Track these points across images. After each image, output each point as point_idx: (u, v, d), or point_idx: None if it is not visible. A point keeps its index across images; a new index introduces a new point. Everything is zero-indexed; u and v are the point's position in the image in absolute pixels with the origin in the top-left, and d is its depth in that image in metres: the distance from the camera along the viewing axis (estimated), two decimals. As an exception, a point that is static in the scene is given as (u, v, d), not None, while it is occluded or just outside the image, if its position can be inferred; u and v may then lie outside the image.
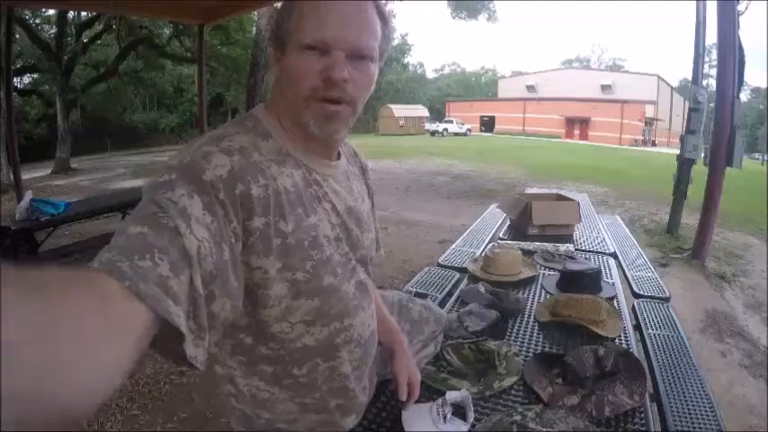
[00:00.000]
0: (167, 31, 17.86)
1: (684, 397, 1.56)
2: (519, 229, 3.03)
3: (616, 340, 1.57)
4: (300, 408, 0.86)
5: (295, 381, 0.83)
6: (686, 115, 6.24)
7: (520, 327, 1.70)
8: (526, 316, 1.78)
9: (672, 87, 44.78)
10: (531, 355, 1.49)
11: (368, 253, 0.93)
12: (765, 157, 31.69)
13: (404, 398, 1.07)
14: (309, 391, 0.86)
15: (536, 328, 1.69)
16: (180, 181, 0.63)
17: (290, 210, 0.72)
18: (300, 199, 0.75)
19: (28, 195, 4.26)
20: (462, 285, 2.17)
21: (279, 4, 0.80)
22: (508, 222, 3.28)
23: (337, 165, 0.86)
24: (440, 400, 1.18)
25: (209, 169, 0.64)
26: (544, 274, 2.24)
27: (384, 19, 0.77)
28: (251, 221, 0.67)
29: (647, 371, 1.45)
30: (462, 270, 2.48)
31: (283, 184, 0.73)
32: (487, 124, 44.83)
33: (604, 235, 3.12)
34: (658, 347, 1.90)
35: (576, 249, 2.65)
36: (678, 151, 6.09)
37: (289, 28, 0.74)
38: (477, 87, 63.19)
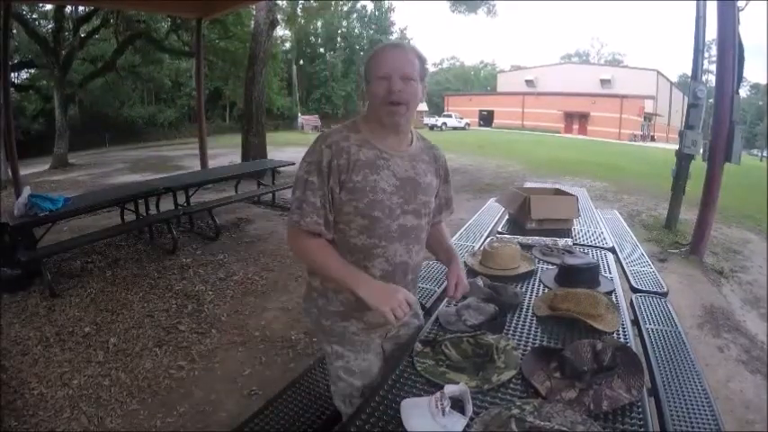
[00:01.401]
0: (165, 26, 17.74)
1: (682, 392, 1.57)
2: (517, 223, 3.03)
3: (614, 335, 1.58)
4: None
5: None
6: (685, 111, 6.24)
7: (518, 321, 1.70)
8: (524, 310, 1.79)
9: (671, 83, 44.70)
10: (529, 349, 1.49)
11: (420, 208, 1.42)
12: (764, 153, 31.73)
13: (450, 294, 1.47)
14: None
15: (534, 322, 1.69)
16: (313, 169, 1.32)
17: (359, 170, 1.32)
18: (369, 165, 1.33)
19: (26, 191, 4.25)
20: (461, 280, 2.17)
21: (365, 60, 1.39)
22: (507, 216, 3.28)
23: (406, 150, 1.41)
24: (438, 394, 1.18)
25: (323, 160, 1.31)
26: (542, 268, 2.24)
27: (421, 59, 1.35)
28: (340, 177, 1.31)
29: (644, 365, 1.45)
30: (461, 264, 2.48)
31: (358, 156, 1.32)
32: (486, 118, 44.70)
33: (603, 230, 3.12)
34: (656, 342, 1.91)
35: (574, 244, 2.64)
36: (677, 147, 6.09)
37: (370, 70, 1.33)
38: (476, 81, 63.02)
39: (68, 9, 14.10)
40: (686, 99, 6.53)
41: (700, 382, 1.62)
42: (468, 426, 1.12)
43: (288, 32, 31.47)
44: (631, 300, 2.31)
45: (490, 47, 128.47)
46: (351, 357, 1.46)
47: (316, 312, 1.49)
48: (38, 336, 3.30)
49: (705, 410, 1.48)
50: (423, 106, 40.30)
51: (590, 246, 2.69)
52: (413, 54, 1.34)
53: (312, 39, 41.95)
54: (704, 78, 6.33)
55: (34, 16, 17.63)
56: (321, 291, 1.46)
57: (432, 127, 35.57)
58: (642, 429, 1.13)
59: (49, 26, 15.57)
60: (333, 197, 1.32)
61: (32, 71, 21.82)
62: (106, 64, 17.39)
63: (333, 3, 28.66)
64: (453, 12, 18.26)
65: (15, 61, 18.01)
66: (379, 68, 1.31)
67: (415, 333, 1.59)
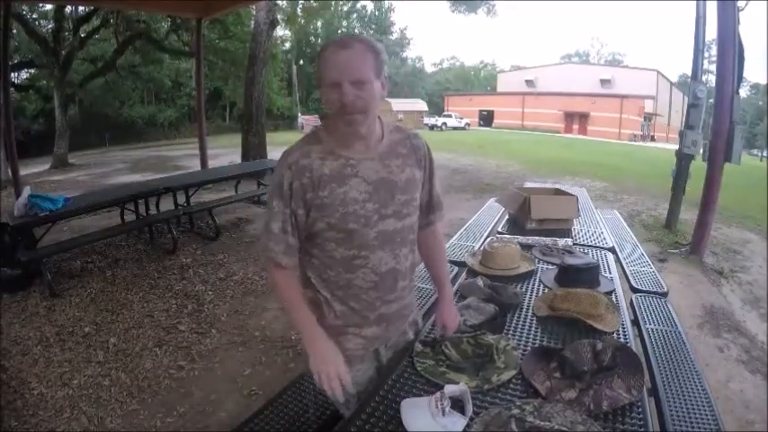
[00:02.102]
0: (165, 26, 17.74)
1: (682, 392, 1.56)
2: (517, 223, 3.03)
3: (614, 335, 1.58)
4: (333, 297, 1.36)
5: (329, 277, 1.34)
6: (685, 111, 6.24)
7: (518, 321, 1.70)
8: (524, 310, 1.79)
9: (671, 83, 44.65)
10: (529, 349, 1.49)
11: (401, 209, 1.32)
12: (764, 153, 31.72)
13: (439, 332, 1.53)
14: (336, 288, 1.34)
15: (534, 322, 1.69)
16: (275, 193, 1.26)
17: (325, 185, 1.23)
18: (335, 177, 1.24)
19: (26, 191, 4.25)
20: (461, 279, 2.17)
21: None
22: (507, 216, 3.28)
23: (375, 150, 1.29)
24: (438, 394, 1.18)
25: (284, 183, 1.23)
26: (542, 268, 2.24)
27: (375, 52, 1.19)
28: (305, 197, 1.23)
29: (644, 365, 1.45)
30: (461, 264, 2.49)
31: (322, 171, 1.23)
32: (486, 118, 44.66)
33: (603, 229, 3.12)
34: (656, 342, 1.91)
35: (574, 244, 2.64)
36: (677, 147, 6.09)
37: (320, 74, 1.20)
38: (477, 81, 63.00)
39: (68, 9, 14.09)
40: (686, 99, 6.54)
41: (700, 382, 1.62)
42: (468, 426, 1.12)
43: (288, 32, 31.49)
44: (631, 300, 2.30)
45: (490, 47, 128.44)
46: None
47: None
48: (38, 336, 3.30)
49: (705, 410, 1.48)
50: (423, 106, 40.39)
51: (590, 246, 2.69)
52: (363, 51, 1.18)
53: (312, 39, 41.95)
54: (704, 78, 6.32)
55: (34, 16, 17.63)
56: (317, 303, 1.37)
57: (432, 127, 35.58)
58: (642, 429, 1.13)
59: (49, 26, 15.55)
60: (297, 219, 1.26)
61: (32, 71, 21.81)
62: (106, 64, 17.40)
63: (333, 3, 28.67)
64: (453, 12, 18.33)
65: (15, 61, 18.00)
66: (328, 74, 1.18)
67: (413, 340, 1.54)
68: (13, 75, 19.64)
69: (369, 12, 45.42)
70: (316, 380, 1.23)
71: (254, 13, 10.85)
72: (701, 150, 5.65)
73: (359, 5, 44.26)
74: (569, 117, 39.75)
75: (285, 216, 1.25)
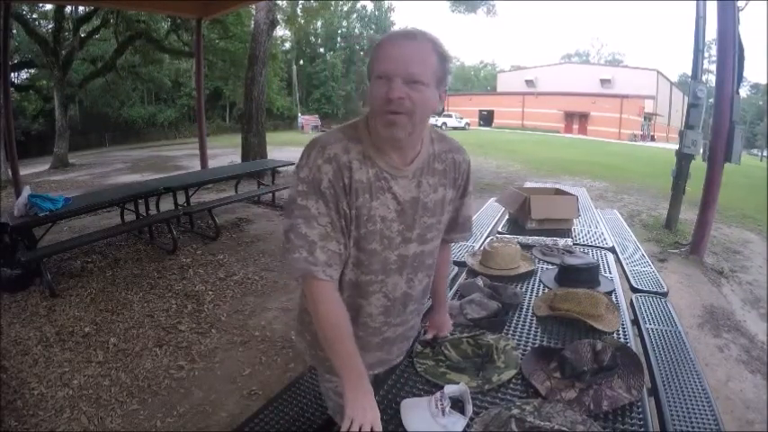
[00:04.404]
0: (165, 26, 17.74)
1: (682, 392, 1.56)
2: (517, 223, 3.03)
3: (614, 335, 1.58)
4: None
5: None
6: (685, 111, 6.24)
7: (518, 321, 1.70)
8: (524, 310, 1.79)
9: (671, 82, 44.65)
10: (529, 349, 1.49)
11: (425, 232, 1.20)
12: (764, 153, 31.71)
13: (427, 336, 1.50)
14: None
15: (534, 322, 1.69)
16: (310, 190, 1.06)
17: (359, 194, 1.09)
18: (369, 188, 1.09)
19: (26, 191, 4.25)
20: (461, 279, 2.18)
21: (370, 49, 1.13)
22: (507, 216, 3.28)
23: (411, 166, 1.14)
24: (438, 394, 1.18)
25: (322, 179, 1.05)
26: (542, 268, 2.24)
27: (441, 57, 1.05)
28: (342, 203, 1.08)
29: (644, 365, 1.45)
30: (461, 264, 2.48)
31: (359, 177, 1.08)
32: (486, 118, 44.68)
33: (603, 229, 3.12)
34: (656, 342, 1.90)
35: (574, 244, 2.65)
36: (677, 147, 6.09)
37: (372, 64, 1.05)
38: (476, 81, 62.98)
39: (68, 9, 14.09)
40: (686, 99, 6.54)
41: (700, 382, 1.61)
42: (468, 426, 1.12)
43: (288, 32, 31.42)
44: (631, 300, 2.30)
45: (490, 47, 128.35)
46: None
47: (309, 338, 1.32)
48: (38, 336, 3.30)
49: (705, 410, 1.47)
50: (423, 106, 40.24)
51: (590, 246, 2.69)
52: (428, 48, 1.04)
53: (312, 39, 41.91)
54: (704, 78, 6.32)
55: (34, 16, 17.61)
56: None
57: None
58: (642, 429, 1.13)
59: (49, 26, 15.54)
60: (345, 221, 1.09)
61: (32, 71, 21.81)
62: (106, 64, 17.39)
63: (333, 3, 28.65)
64: (453, 12, 18.27)
65: (15, 61, 18.02)
66: (380, 64, 1.02)
67: (405, 358, 1.45)
68: (13, 75, 19.67)
69: (369, 12, 45.35)
70: (344, 424, 1.02)
71: (254, 13, 10.86)
72: (701, 150, 5.65)
73: (359, 5, 44.21)
74: (569, 117, 39.74)
75: (327, 217, 1.07)
